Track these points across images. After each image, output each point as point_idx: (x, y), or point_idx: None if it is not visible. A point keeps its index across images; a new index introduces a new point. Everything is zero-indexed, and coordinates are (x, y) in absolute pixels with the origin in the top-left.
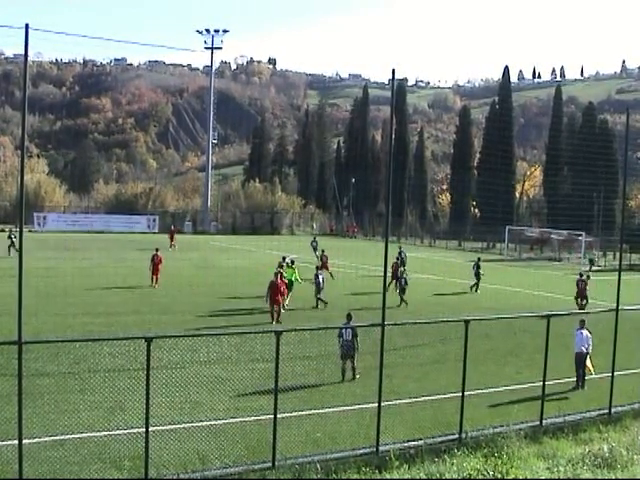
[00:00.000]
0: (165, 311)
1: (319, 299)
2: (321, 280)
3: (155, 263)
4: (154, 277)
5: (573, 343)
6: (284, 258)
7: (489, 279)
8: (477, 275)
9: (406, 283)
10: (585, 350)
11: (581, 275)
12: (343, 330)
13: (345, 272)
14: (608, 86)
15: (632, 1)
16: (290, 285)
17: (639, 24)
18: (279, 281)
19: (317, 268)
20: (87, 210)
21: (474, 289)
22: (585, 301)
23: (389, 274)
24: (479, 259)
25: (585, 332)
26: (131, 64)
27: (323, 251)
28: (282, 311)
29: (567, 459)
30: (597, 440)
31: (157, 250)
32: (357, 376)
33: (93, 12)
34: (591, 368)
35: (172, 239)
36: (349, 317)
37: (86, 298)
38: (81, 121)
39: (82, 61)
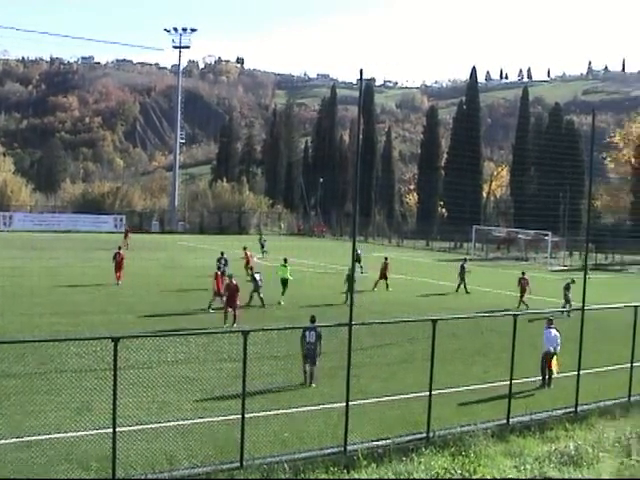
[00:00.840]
0: (132, 311)
1: (260, 298)
2: (258, 278)
3: (117, 261)
4: (117, 275)
5: (541, 342)
6: (222, 254)
7: (456, 279)
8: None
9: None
10: (553, 349)
11: (523, 274)
12: (307, 332)
13: (315, 272)
14: (574, 87)
15: (598, 4)
16: (285, 283)
17: (605, 26)
18: (219, 278)
19: (248, 266)
20: (54, 209)
21: (459, 289)
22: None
23: (377, 274)
24: (465, 260)
25: (554, 331)
26: (98, 62)
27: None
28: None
29: (534, 457)
30: (563, 438)
31: (119, 248)
32: (313, 384)
33: (60, 10)
34: (556, 367)
35: (126, 238)
36: (313, 319)
37: (53, 298)
38: (48, 120)
39: (49, 59)
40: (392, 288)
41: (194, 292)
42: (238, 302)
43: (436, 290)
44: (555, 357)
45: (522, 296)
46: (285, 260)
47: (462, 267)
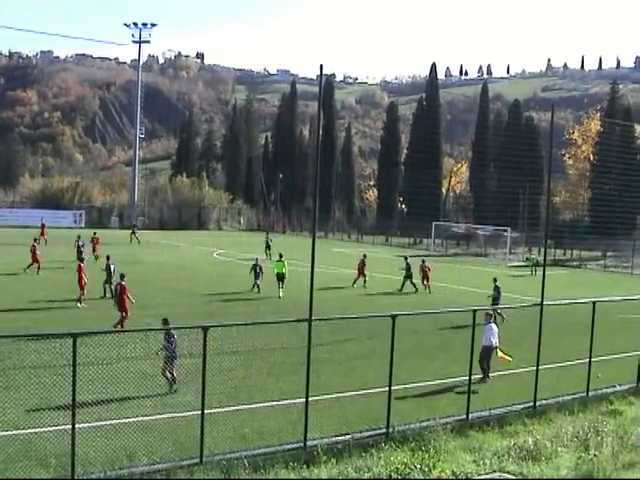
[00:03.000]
0: (90, 307)
1: (111, 290)
2: (112, 269)
3: (33, 252)
4: (35, 264)
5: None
6: (79, 237)
7: (416, 275)
8: (407, 272)
9: (261, 270)
10: (494, 343)
11: (423, 261)
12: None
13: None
14: (534, 84)
15: (557, 2)
16: (282, 277)
17: (564, 24)
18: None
19: (107, 258)
20: (12, 205)
21: (401, 288)
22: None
23: (355, 271)
24: (406, 257)
25: (494, 325)
26: (58, 57)
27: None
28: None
29: (493, 452)
30: (522, 433)
31: (35, 240)
32: (175, 387)
33: (19, 3)
34: (507, 357)
35: (43, 233)
36: (165, 322)
37: (11, 294)
38: (6, 114)
39: (7, 53)
40: (356, 285)
41: (153, 288)
42: (127, 305)
43: (395, 286)
44: (497, 350)
45: (425, 282)
46: (281, 255)
47: (408, 264)
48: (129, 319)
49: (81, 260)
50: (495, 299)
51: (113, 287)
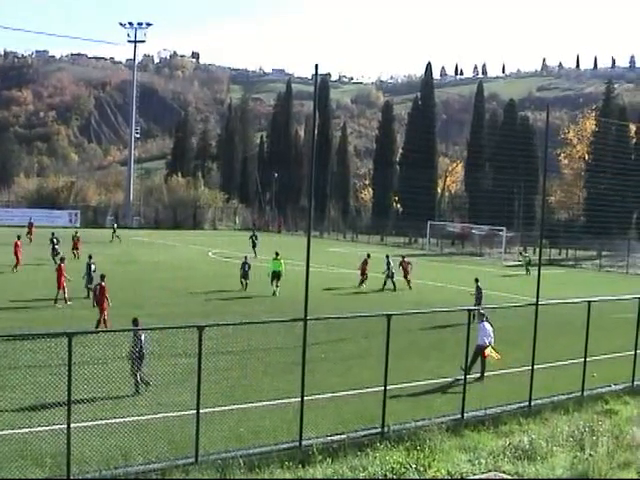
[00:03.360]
0: (86, 306)
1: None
2: (92, 269)
3: (15, 250)
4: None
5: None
6: (53, 233)
7: (413, 274)
8: (389, 273)
9: (249, 268)
10: (488, 342)
11: (403, 257)
12: (139, 336)
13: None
14: (529, 83)
15: (552, 1)
16: (278, 275)
17: (559, 23)
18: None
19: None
20: (8, 204)
21: (385, 286)
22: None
23: (358, 272)
24: (387, 256)
25: (488, 325)
26: (53, 56)
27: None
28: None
29: (488, 451)
30: (517, 432)
31: (18, 237)
32: (148, 388)
33: (14, 3)
34: (494, 355)
35: (30, 232)
36: (135, 322)
37: (6, 293)
38: (1, 114)
39: (3, 53)
40: (349, 283)
41: (148, 287)
42: (106, 307)
43: (390, 285)
44: (490, 348)
45: (406, 278)
46: (277, 254)
47: (388, 263)
48: (109, 320)
49: (61, 260)
50: (477, 298)
51: (92, 287)
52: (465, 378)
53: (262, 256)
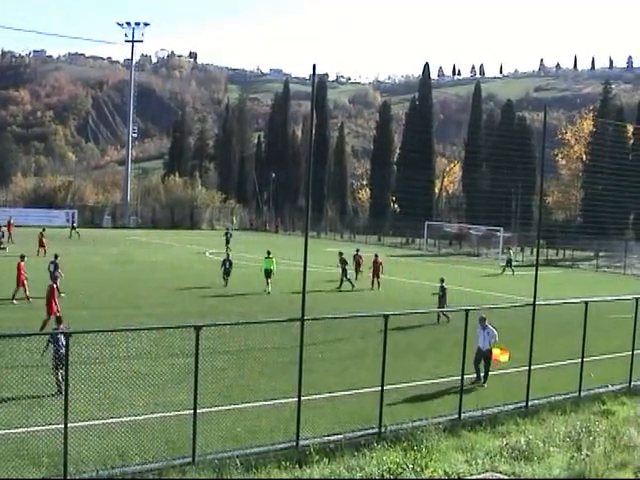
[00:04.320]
0: (84, 306)
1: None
2: (52, 269)
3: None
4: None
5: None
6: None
7: (409, 274)
8: (344, 271)
9: (230, 265)
10: (489, 345)
11: (357, 251)
12: (58, 337)
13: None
14: (526, 84)
15: (549, 1)
16: (269, 273)
17: (557, 24)
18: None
19: (55, 256)
20: (5, 204)
21: (342, 285)
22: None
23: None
24: (341, 253)
25: (491, 327)
26: (50, 56)
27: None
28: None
29: (485, 452)
30: (514, 433)
31: (22, 258)
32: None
33: (11, 2)
34: (500, 359)
35: (9, 234)
36: (58, 320)
37: (1, 293)
38: None
39: (0, 52)
40: (347, 283)
41: (146, 287)
42: (54, 309)
43: (387, 285)
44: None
45: (358, 271)
46: (268, 252)
47: (343, 259)
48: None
49: (21, 258)
50: (441, 297)
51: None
52: (462, 379)
53: (257, 255)
